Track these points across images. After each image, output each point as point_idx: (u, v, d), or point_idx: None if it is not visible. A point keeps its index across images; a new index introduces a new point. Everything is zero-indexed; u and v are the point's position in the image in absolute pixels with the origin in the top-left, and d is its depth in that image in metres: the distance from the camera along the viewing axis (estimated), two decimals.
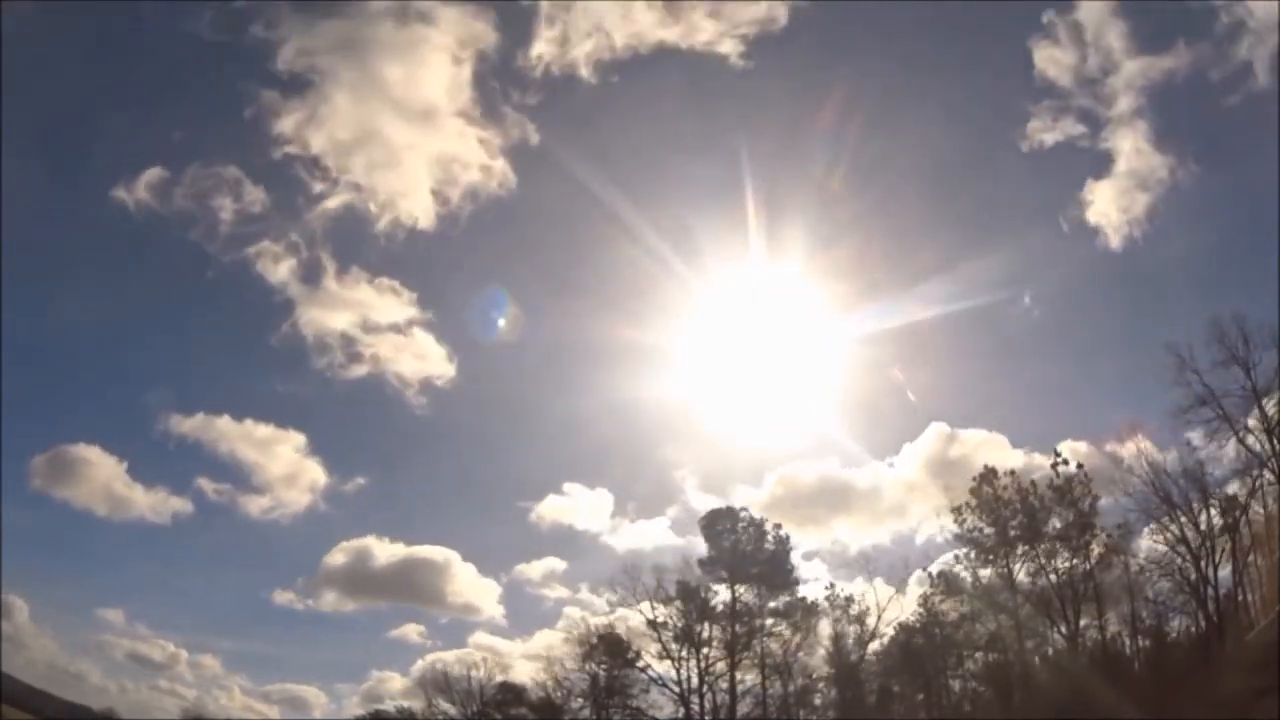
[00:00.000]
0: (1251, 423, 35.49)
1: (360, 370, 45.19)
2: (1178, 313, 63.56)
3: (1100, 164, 60.73)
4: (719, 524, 50.60)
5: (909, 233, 63.11)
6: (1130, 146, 57.45)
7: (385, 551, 49.37)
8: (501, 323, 54.04)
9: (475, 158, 45.42)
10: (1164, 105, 57.37)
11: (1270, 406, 35.02)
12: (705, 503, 50.69)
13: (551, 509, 50.77)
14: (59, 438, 49.41)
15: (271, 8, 45.26)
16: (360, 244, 45.27)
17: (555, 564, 51.59)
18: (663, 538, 52.78)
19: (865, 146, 52.72)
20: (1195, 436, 37.23)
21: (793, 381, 59.26)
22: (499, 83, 45.24)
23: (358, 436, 47.05)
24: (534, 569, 51.49)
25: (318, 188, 43.20)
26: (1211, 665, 32.17)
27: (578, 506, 50.36)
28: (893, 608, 46.27)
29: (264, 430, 45.60)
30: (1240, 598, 36.09)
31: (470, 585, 50.66)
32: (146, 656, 55.73)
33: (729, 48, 52.83)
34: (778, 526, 50.52)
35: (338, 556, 51.47)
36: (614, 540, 50.94)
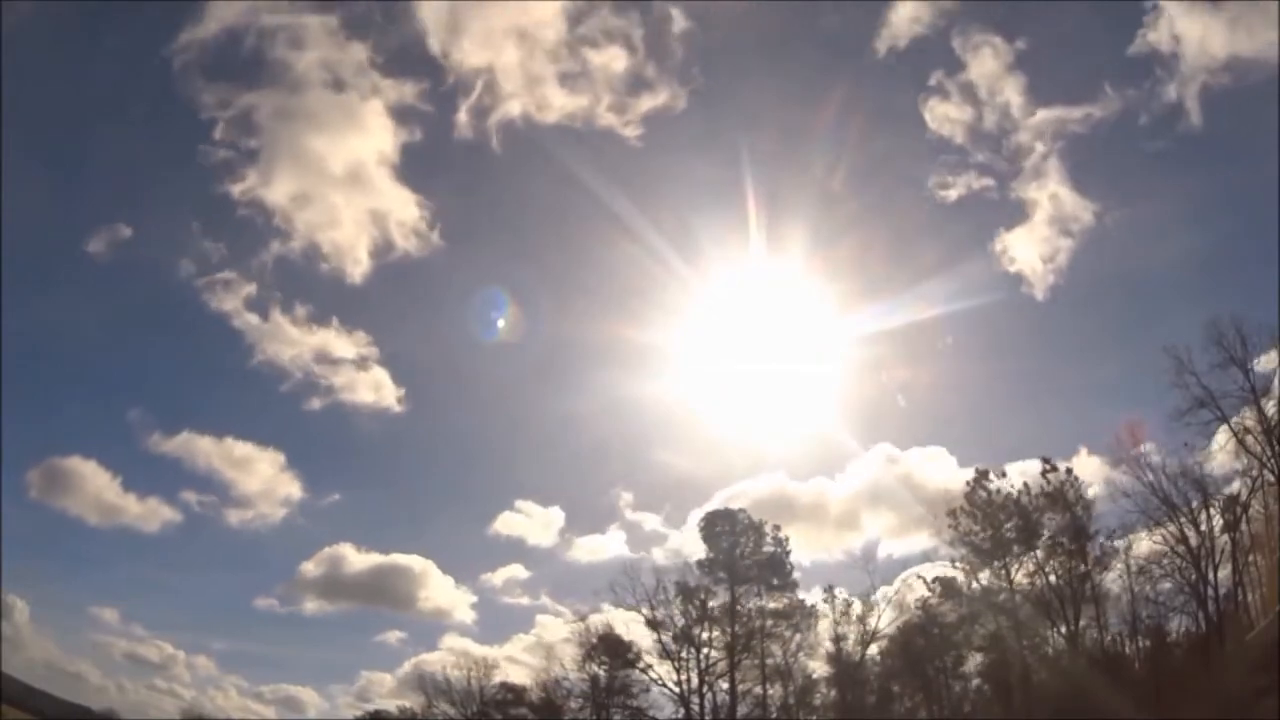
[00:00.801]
0: (1250, 424, 35.55)
1: (326, 399, 50.01)
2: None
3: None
4: (718, 525, 50.63)
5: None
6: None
7: (361, 559, 52.93)
8: (501, 323, 56.68)
9: (407, 214, 44.92)
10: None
11: (1269, 407, 35.09)
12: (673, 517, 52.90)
13: (506, 524, 54.44)
14: (54, 451, 52.66)
15: (222, 88, 46.40)
16: (317, 286, 47.44)
17: (518, 571, 54.94)
18: (617, 549, 54.94)
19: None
20: (1194, 438, 37.30)
21: (768, 391, 61.61)
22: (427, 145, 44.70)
23: (330, 456, 52.21)
24: (498, 576, 55.19)
25: (273, 239, 45.22)
26: (1211, 665, 32.22)
27: (530, 522, 53.74)
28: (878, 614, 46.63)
29: (245, 448, 49.08)
30: (1240, 598, 36.12)
31: (441, 591, 53.57)
32: (143, 657, 57.42)
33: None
34: (777, 528, 50.64)
35: (318, 563, 54.94)
36: (569, 553, 54.10)
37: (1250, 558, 36.03)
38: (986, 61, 58.72)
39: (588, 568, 54.13)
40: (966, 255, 63.27)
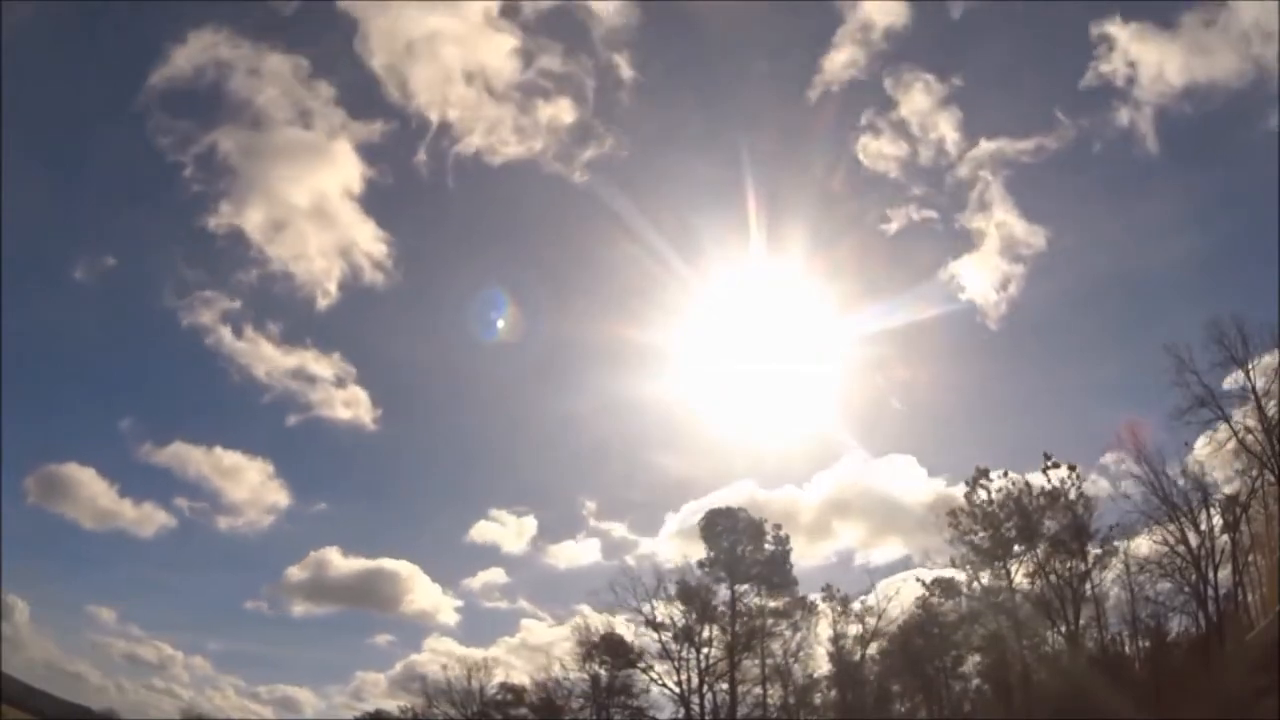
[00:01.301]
0: (1250, 424, 35.55)
1: (306, 414, 52.79)
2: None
3: None
4: (718, 525, 50.62)
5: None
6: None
7: (349, 564, 55.10)
8: (500, 324, 58.28)
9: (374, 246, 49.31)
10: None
11: (1270, 407, 35.08)
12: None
13: (481, 532, 56.71)
14: (51, 458, 55.02)
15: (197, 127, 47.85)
16: (293, 310, 51.45)
17: (498, 576, 57.02)
18: (591, 556, 57.04)
19: None
20: (1194, 437, 37.30)
21: (740, 399, 62.83)
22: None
23: (314, 467, 54.38)
24: (478, 581, 57.09)
25: (250, 265, 49.69)
26: (1211, 665, 32.22)
27: (505, 531, 55.84)
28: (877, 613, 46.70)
29: (234, 458, 52.34)
30: (1240, 598, 36.12)
31: (425, 594, 55.58)
32: (142, 657, 58.65)
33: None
34: (777, 527, 50.66)
35: (307, 567, 56.90)
36: (544, 559, 56.37)
37: (1250, 558, 36.03)
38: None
39: (565, 573, 56.34)
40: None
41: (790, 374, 61.54)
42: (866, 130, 60.47)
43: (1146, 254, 63.67)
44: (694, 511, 51.14)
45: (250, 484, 53.08)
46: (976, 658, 45.91)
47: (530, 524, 54.83)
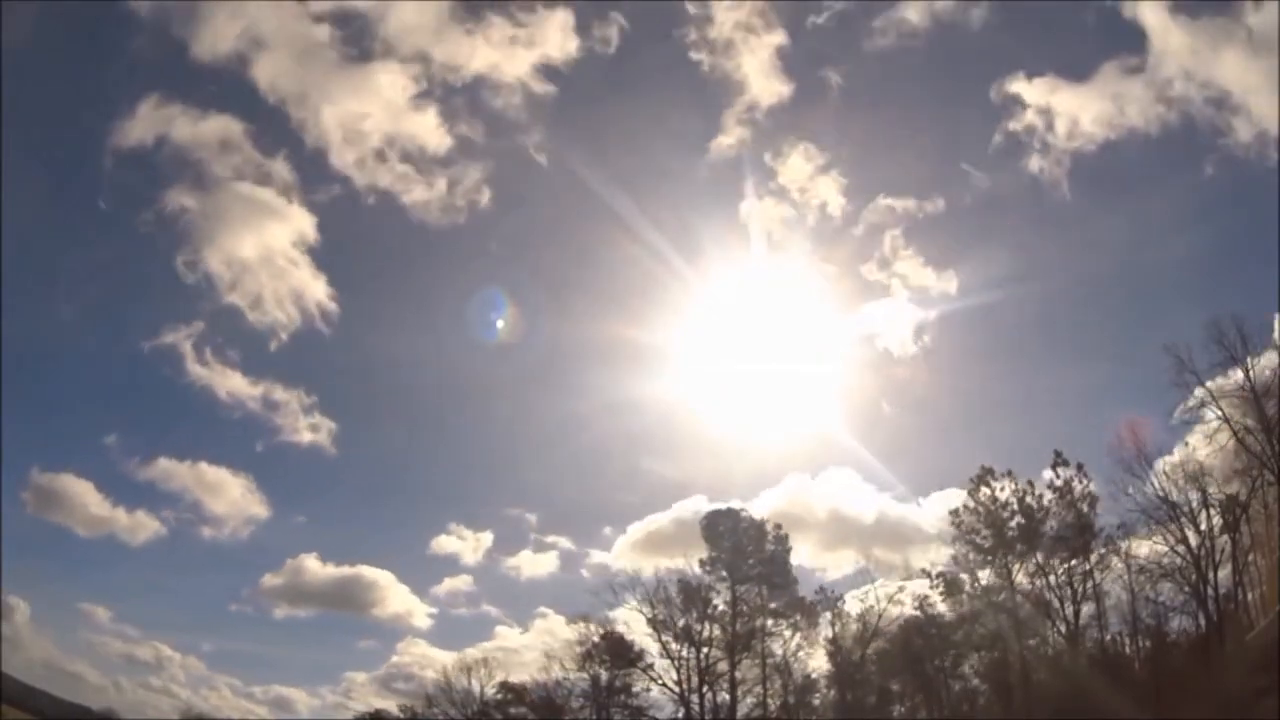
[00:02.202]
0: (1251, 423, 35.53)
1: (278, 437, 58.51)
2: None
3: None
4: (719, 525, 50.64)
5: None
6: None
7: (328, 570, 59.36)
8: (500, 324, 61.04)
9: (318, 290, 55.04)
10: None
11: (1270, 407, 35.07)
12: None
13: (441, 545, 60.89)
14: (48, 468, 59.66)
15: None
16: (260, 344, 57.45)
17: (464, 583, 60.68)
18: (550, 566, 60.64)
19: None
20: (1194, 437, 37.31)
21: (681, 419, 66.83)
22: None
23: (290, 483, 59.93)
24: (444, 588, 60.73)
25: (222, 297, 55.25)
26: (1211, 665, 32.22)
27: (464, 544, 60.14)
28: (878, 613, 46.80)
29: (219, 473, 58.25)
30: (1240, 598, 36.11)
31: (399, 599, 59.22)
32: (138, 657, 61.09)
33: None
34: (778, 527, 50.64)
35: (287, 573, 60.91)
36: (506, 569, 60.46)
37: (1250, 558, 36.02)
38: None
39: (526, 582, 60.70)
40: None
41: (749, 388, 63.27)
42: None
43: (1145, 254, 63.59)
44: (647, 524, 55.57)
45: (232, 497, 59.38)
46: (976, 658, 45.93)
47: (487, 538, 59.86)
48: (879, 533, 53.31)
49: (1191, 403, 36.63)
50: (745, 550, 49.94)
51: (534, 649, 52.43)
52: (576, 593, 62.06)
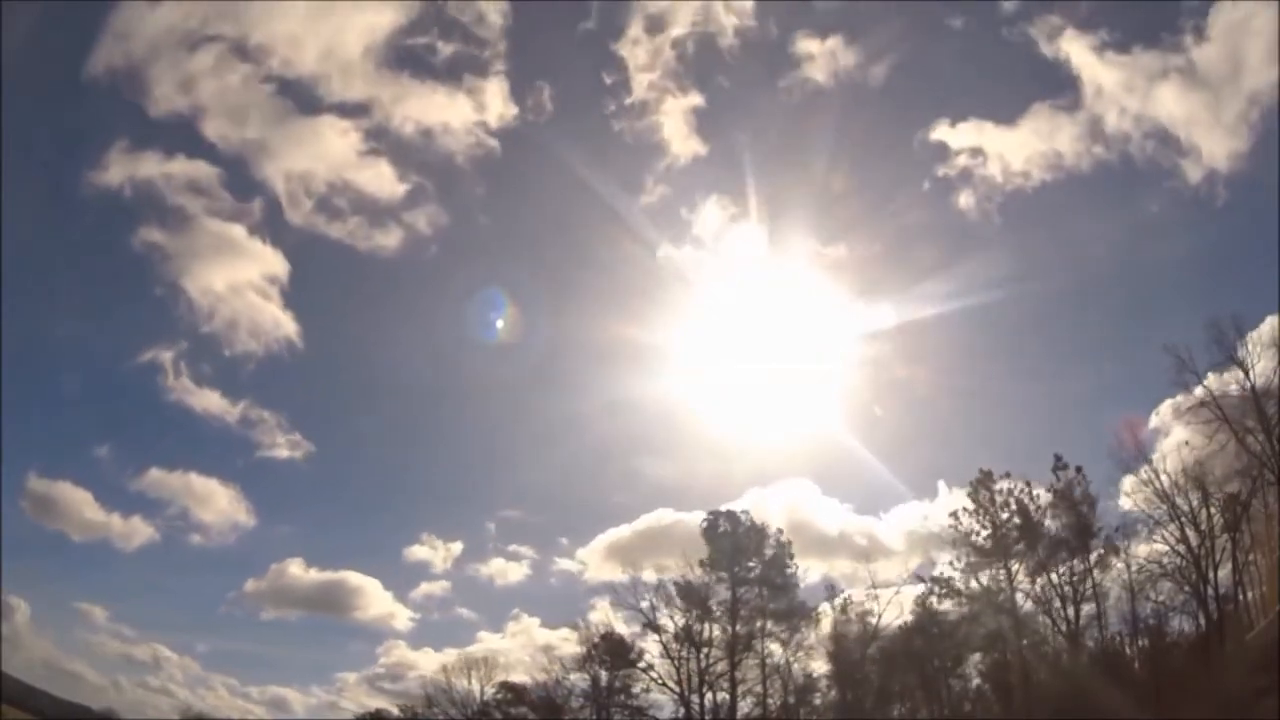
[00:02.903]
0: (1251, 423, 35.53)
1: (258, 452, 62.35)
2: None
3: None
4: (720, 525, 50.66)
5: None
6: None
7: (311, 575, 62.18)
8: (500, 324, 62.74)
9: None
10: None
11: (1269, 407, 35.07)
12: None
13: (414, 554, 63.64)
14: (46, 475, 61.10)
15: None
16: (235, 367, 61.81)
17: (439, 589, 62.59)
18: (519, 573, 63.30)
19: None
20: (1194, 437, 37.30)
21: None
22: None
23: (273, 494, 63.26)
24: (422, 592, 62.84)
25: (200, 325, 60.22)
26: (1211, 665, 32.23)
27: (435, 554, 62.65)
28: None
29: (208, 483, 61.61)
30: (1240, 598, 36.12)
31: (380, 603, 61.69)
32: (136, 658, 62.68)
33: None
34: (779, 530, 50.66)
35: (274, 579, 63.31)
36: (479, 576, 63.19)
37: (1250, 558, 36.02)
38: None
39: (501, 588, 63.65)
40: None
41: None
42: None
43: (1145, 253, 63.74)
44: (607, 540, 57.51)
45: (220, 506, 62.44)
46: (976, 658, 45.96)
47: (456, 548, 62.80)
48: (840, 545, 54.32)
49: (1191, 403, 36.69)
50: (745, 551, 49.94)
51: (511, 651, 54.78)
52: (549, 597, 63.97)
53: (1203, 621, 36.91)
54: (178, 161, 58.80)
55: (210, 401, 61.74)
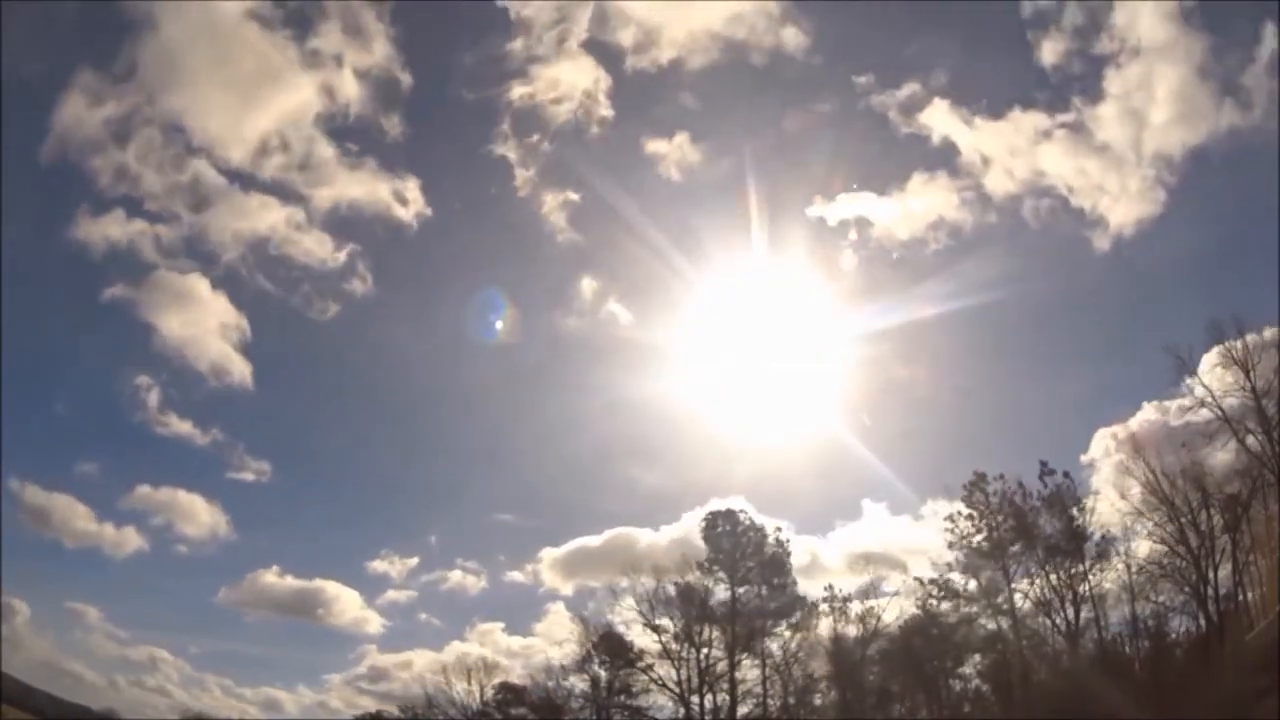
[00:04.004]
0: (1251, 423, 35.54)
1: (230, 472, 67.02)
2: None
3: None
4: (719, 525, 50.67)
5: None
6: None
7: (289, 582, 65.71)
8: (499, 325, 67.12)
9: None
10: None
11: (1269, 407, 35.08)
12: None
13: (375, 567, 67.91)
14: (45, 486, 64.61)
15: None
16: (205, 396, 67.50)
17: (405, 596, 66.34)
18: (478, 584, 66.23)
19: None
20: (1194, 437, 37.28)
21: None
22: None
23: (249, 510, 67.04)
24: (388, 598, 66.15)
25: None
26: (1211, 666, 32.20)
27: (395, 568, 66.36)
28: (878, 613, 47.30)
29: (193, 498, 65.50)
30: (1240, 598, 36.09)
31: (354, 609, 64.92)
32: (133, 658, 65.03)
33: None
34: (778, 529, 50.67)
35: (254, 586, 66.51)
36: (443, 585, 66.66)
37: (1250, 558, 35.99)
38: None
39: (462, 596, 66.71)
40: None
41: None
42: None
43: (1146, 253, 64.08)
44: (567, 551, 61.04)
45: (202, 519, 66.39)
46: (976, 658, 45.96)
47: (412, 562, 66.94)
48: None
49: (1191, 403, 36.68)
50: (744, 551, 49.95)
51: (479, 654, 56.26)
52: (507, 606, 69.78)
53: (1203, 622, 36.88)
54: (136, 223, 64.66)
55: (184, 427, 67.59)
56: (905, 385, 64.76)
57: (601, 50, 64.51)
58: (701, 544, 50.73)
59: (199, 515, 66.33)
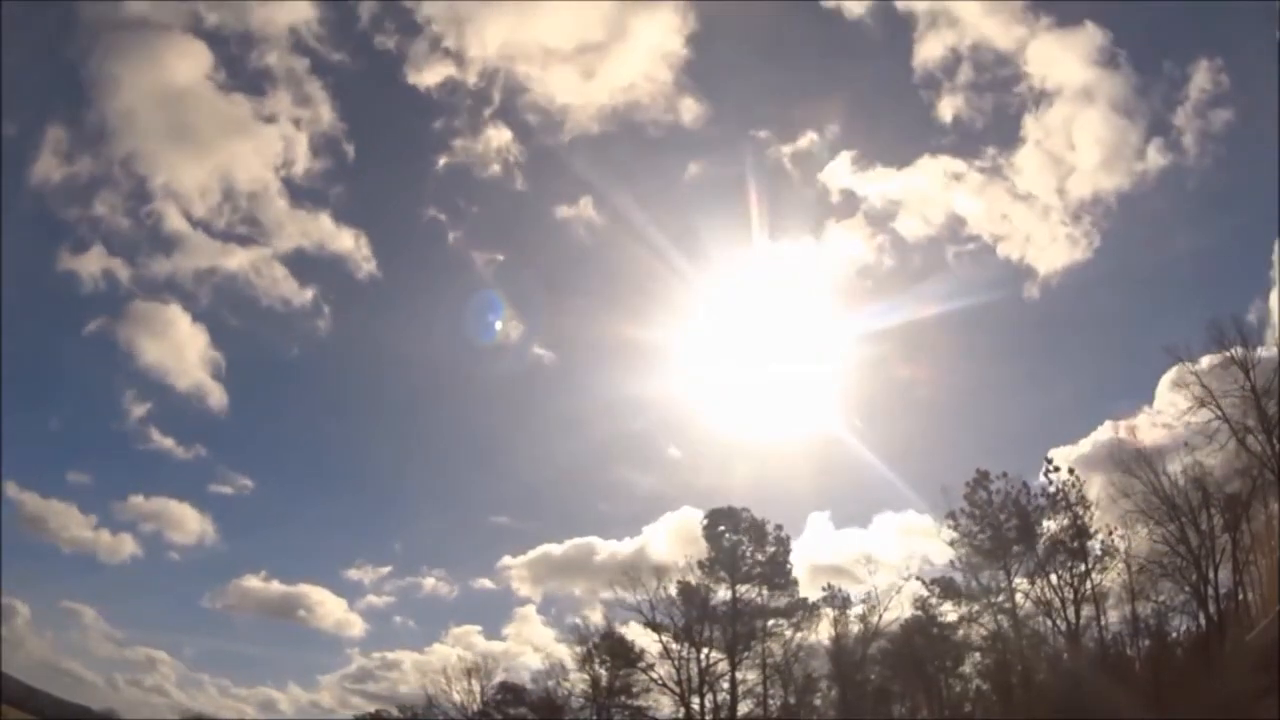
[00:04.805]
0: (1251, 423, 35.51)
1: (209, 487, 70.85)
2: None
3: None
4: (720, 524, 50.69)
5: None
6: None
7: (277, 587, 67.75)
8: (498, 325, 69.34)
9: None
10: None
11: (1270, 407, 35.05)
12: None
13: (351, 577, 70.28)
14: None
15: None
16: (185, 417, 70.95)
17: (382, 600, 68.46)
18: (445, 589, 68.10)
19: None
20: (1194, 437, 37.27)
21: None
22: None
23: (232, 520, 69.34)
24: (366, 602, 68.26)
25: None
26: (1212, 665, 32.20)
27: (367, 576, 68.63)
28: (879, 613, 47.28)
29: (182, 507, 68.28)
30: (1240, 598, 36.10)
31: (338, 612, 66.87)
32: (131, 659, 66.26)
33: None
34: (779, 527, 50.65)
35: (243, 588, 68.58)
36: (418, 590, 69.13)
37: (1250, 558, 36.00)
38: None
39: (442, 602, 68.77)
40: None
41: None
42: None
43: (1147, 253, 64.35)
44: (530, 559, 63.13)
45: (191, 527, 68.34)
46: (976, 657, 45.97)
47: (385, 570, 69.21)
48: None
49: (1191, 402, 36.65)
50: (745, 550, 49.98)
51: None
52: (479, 610, 74.41)
53: (1203, 621, 36.88)
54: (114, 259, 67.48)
55: (168, 444, 70.44)
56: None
57: (516, 125, 69.65)
58: (652, 555, 53.02)
59: (188, 523, 69.23)
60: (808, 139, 64.49)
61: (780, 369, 61.57)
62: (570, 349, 73.37)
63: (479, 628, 61.57)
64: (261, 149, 69.12)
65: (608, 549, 60.30)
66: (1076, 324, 69.58)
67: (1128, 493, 38.49)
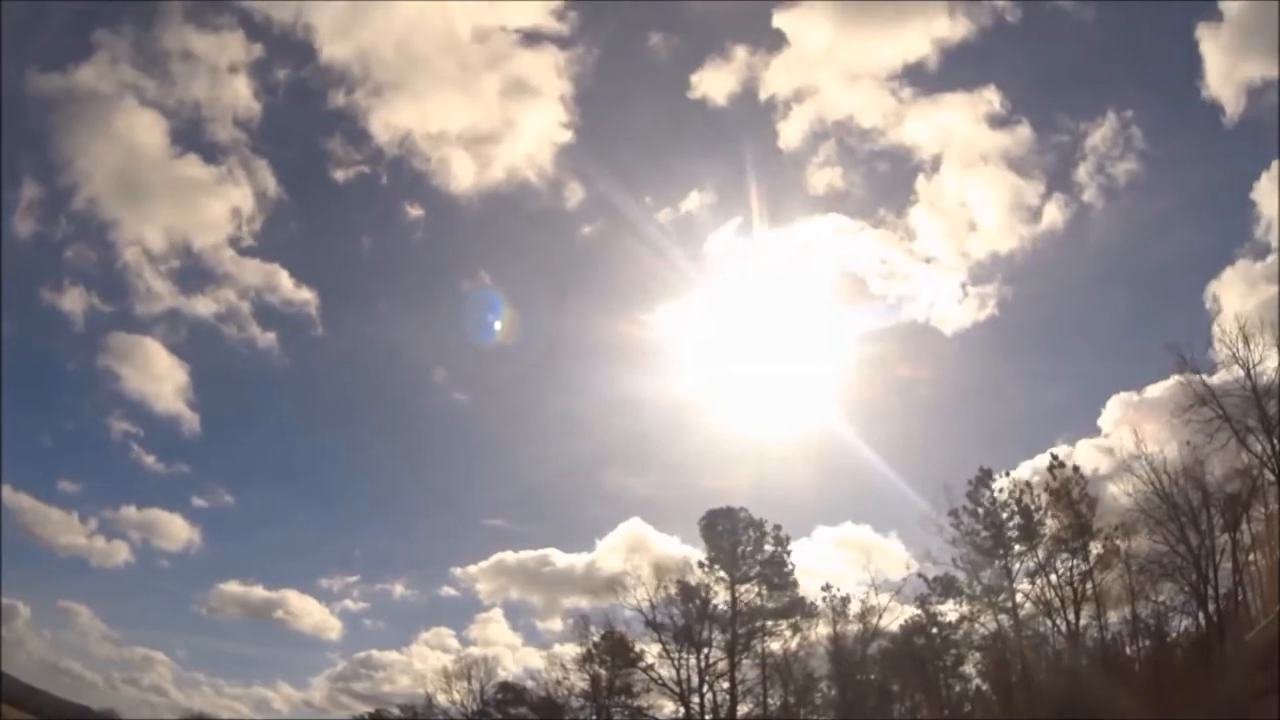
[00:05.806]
0: (1251, 423, 35.48)
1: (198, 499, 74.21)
2: None
3: None
4: (719, 524, 50.65)
5: None
6: None
7: (258, 591, 70.13)
8: (498, 325, 71.66)
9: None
10: None
11: (1270, 407, 35.03)
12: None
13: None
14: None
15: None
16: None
17: (358, 606, 70.51)
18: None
19: None
20: (1195, 437, 37.21)
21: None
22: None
23: (219, 528, 73.51)
24: (342, 606, 70.36)
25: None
26: (1212, 665, 32.19)
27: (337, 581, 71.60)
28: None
29: (172, 517, 70.94)
30: (1240, 598, 36.06)
31: (318, 616, 69.08)
32: (130, 659, 67.40)
33: None
34: (778, 527, 50.58)
35: (227, 592, 70.72)
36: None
37: (1250, 558, 35.98)
38: None
39: (410, 606, 72.16)
40: None
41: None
42: None
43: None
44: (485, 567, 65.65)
45: (177, 534, 71.42)
46: (976, 657, 45.96)
47: (354, 578, 71.44)
48: None
49: (1192, 402, 36.60)
50: (745, 550, 49.96)
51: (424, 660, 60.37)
52: (447, 613, 78.96)
53: (1203, 622, 36.87)
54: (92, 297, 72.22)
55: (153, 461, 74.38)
56: None
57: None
58: (605, 569, 54.47)
59: (177, 532, 71.81)
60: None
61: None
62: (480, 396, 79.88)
63: (451, 630, 64.68)
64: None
65: (564, 560, 63.22)
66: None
67: (1128, 493, 38.57)
